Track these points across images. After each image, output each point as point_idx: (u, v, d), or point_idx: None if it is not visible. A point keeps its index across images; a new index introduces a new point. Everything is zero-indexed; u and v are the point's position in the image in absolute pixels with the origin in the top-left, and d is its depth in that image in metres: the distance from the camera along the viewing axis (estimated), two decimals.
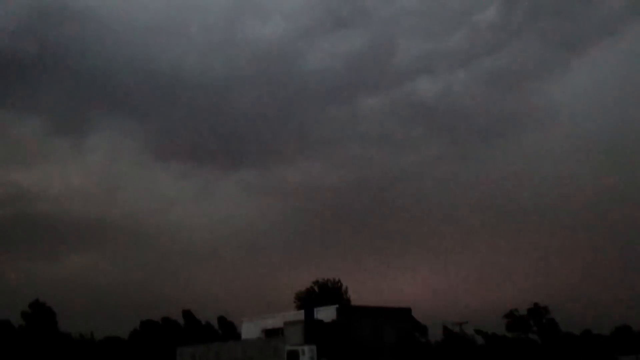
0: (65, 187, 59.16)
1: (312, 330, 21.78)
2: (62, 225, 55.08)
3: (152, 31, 60.40)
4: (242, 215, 60.36)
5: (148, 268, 53.75)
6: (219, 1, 61.93)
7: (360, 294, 42.99)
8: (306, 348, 21.09)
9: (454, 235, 56.93)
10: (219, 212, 60.66)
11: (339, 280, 38.82)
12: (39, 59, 58.37)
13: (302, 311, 25.77)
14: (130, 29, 58.70)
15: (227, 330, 39.97)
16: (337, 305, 24.89)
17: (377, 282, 47.28)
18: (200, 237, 56.57)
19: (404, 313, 25.58)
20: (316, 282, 38.41)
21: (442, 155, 64.44)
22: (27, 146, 60.14)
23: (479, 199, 58.98)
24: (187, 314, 41.69)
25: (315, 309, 24.28)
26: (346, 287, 38.47)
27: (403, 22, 65.49)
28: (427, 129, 65.93)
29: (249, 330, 27.05)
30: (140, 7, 59.77)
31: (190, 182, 62.92)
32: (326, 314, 23.67)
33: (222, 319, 41.59)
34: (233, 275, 53.01)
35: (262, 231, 57.64)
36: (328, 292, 37.37)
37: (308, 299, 36.46)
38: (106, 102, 59.92)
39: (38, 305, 39.95)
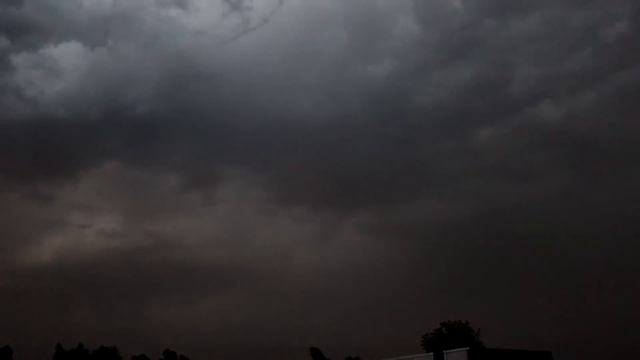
0: (198, 237, 63.92)
1: None
2: (195, 272, 59.26)
3: (270, 83, 64.54)
4: (362, 256, 60.43)
5: (271, 311, 55.61)
6: (331, 47, 64.61)
7: (493, 336, 40.46)
8: None
9: (588, 270, 51.86)
10: (339, 254, 61.31)
11: (467, 322, 37.42)
12: (173, 121, 64.82)
13: (431, 354, 25.04)
14: (251, 84, 63.26)
15: None
16: (467, 348, 23.80)
17: (510, 324, 44.40)
18: (321, 280, 57.42)
19: (544, 357, 23.80)
20: (444, 324, 37.25)
21: (569, 184, 59.94)
22: (165, 200, 66.22)
23: (610, 230, 53.39)
24: (315, 352, 42.69)
25: (444, 352, 23.47)
26: (479, 330, 37.00)
27: (520, 48, 63.27)
28: (550, 156, 62.09)
29: None
30: (260, 63, 64.16)
31: (310, 225, 64.69)
32: (457, 356, 22.73)
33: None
34: (357, 318, 52.78)
35: (384, 272, 57.05)
36: (457, 334, 35.98)
37: (436, 342, 35.33)
38: (232, 156, 64.53)
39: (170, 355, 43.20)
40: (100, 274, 60.54)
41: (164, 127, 63.08)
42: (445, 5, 64.06)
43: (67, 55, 63.50)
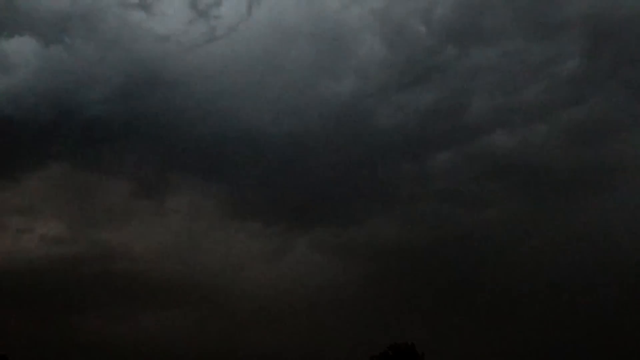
0: (146, 247, 61.77)
1: None
2: (140, 285, 57.16)
3: (232, 94, 63.77)
4: (313, 275, 59.73)
5: (217, 327, 54.21)
6: (296, 62, 64.48)
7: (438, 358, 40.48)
8: None
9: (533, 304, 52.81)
10: (290, 272, 60.42)
11: (413, 344, 37.26)
12: (128, 125, 62.85)
13: None
14: (213, 94, 62.29)
15: None
16: None
17: (454, 348, 44.60)
18: (271, 296, 56.34)
19: None
20: (391, 346, 36.96)
21: (518, 211, 61.33)
22: (114, 208, 63.77)
23: (561, 252, 54.92)
24: None
25: None
26: (422, 353, 36.88)
27: (479, 77, 64.79)
28: (504, 184, 63.43)
29: None
30: (224, 73, 63.30)
31: (263, 241, 63.59)
32: None
33: None
34: (303, 337, 51.99)
35: (334, 292, 56.45)
36: (403, 356, 35.76)
37: None
38: (187, 165, 62.98)
39: None
40: (37, 283, 57.80)
41: (118, 131, 60.97)
42: (410, 29, 64.79)
43: (20, 50, 60.76)
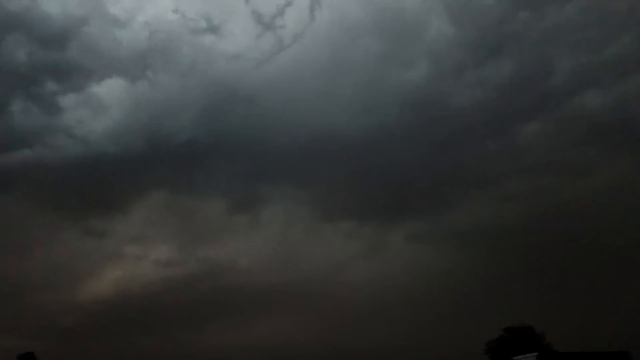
0: (248, 259, 64.21)
1: None
2: (248, 295, 59.47)
3: (305, 101, 64.91)
4: (414, 267, 59.25)
5: (326, 330, 55.02)
6: (364, 57, 64.48)
7: (561, 339, 38.48)
8: None
9: None
10: (390, 267, 60.28)
11: (530, 326, 35.83)
12: (214, 146, 65.85)
13: None
14: (288, 102, 63.89)
15: None
16: (536, 353, 22.58)
17: (578, 325, 42.13)
18: (375, 295, 56.43)
19: (620, 357, 22.28)
20: (507, 329, 35.87)
21: (623, 174, 56.95)
22: (213, 226, 67.00)
23: None
24: None
25: (513, 358, 22.37)
26: (542, 333, 35.34)
27: (557, 38, 61.14)
28: (601, 147, 59.27)
29: None
30: (295, 80, 64.57)
31: (359, 239, 63.94)
32: None
33: None
34: (415, 332, 51.49)
35: (438, 282, 55.79)
36: (521, 339, 34.43)
37: (500, 348, 33.88)
38: (274, 176, 64.85)
39: None
40: (155, 303, 61.90)
41: (206, 153, 64.23)
42: (477, 2, 62.88)
43: (111, 91, 65.79)
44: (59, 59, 64.36)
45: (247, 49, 66.74)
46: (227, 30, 67.30)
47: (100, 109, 66.09)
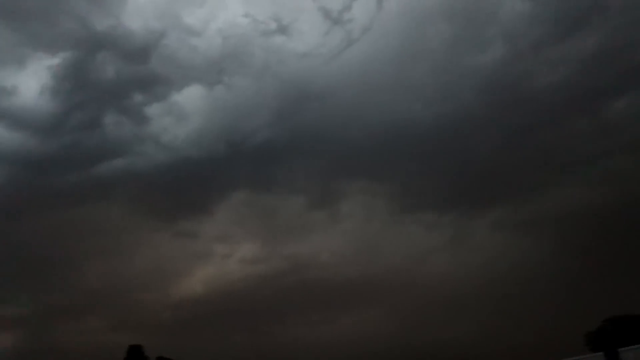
0: (330, 254, 64.99)
1: None
2: (332, 290, 60.20)
3: (378, 93, 64.53)
4: (501, 256, 57.26)
5: (413, 322, 54.59)
6: (436, 43, 63.02)
7: None
8: None
9: None
10: (474, 257, 58.72)
11: (637, 315, 33.56)
12: (291, 143, 67.05)
13: (601, 353, 22.64)
14: (361, 95, 63.89)
15: None
16: None
17: None
18: (461, 285, 55.12)
19: None
20: (609, 320, 33.94)
21: None
22: (294, 222, 68.39)
23: None
24: None
25: (618, 350, 21.02)
26: None
27: None
28: None
29: None
30: (367, 72, 64.31)
31: (440, 230, 62.87)
32: (634, 355, 20.26)
33: None
34: (505, 322, 49.86)
35: (528, 271, 53.53)
36: (626, 329, 32.35)
37: (603, 339, 32.04)
38: (351, 170, 65.09)
39: None
40: (242, 299, 64.11)
41: (284, 151, 65.53)
42: None
43: (191, 98, 68.67)
44: (143, 72, 68.03)
45: (316, 46, 67.25)
46: (296, 29, 68.09)
47: (182, 115, 69.32)
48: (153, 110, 69.08)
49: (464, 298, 54.47)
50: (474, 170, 61.73)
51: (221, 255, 68.49)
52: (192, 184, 67.84)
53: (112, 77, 68.46)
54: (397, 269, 61.36)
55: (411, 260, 62.28)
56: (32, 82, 66.89)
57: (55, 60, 66.37)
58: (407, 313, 54.89)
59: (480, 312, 53.29)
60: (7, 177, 64.11)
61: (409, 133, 61.63)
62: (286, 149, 66.55)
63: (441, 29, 63.81)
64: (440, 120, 60.55)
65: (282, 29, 68.29)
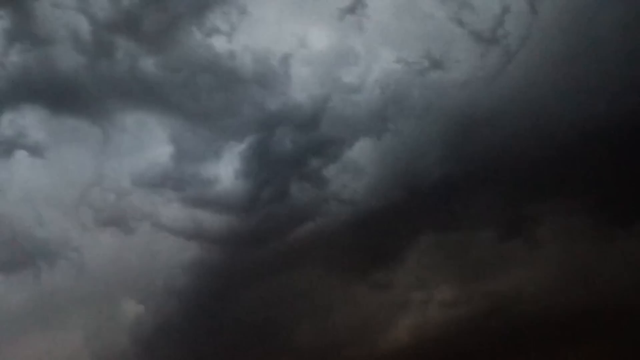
0: (534, 286, 59.23)
1: None
2: (543, 325, 54.37)
3: (553, 100, 57.55)
4: None
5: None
6: (608, 30, 55.19)
7: None
8: None
9: None
10: None
11: None
12: (468, 176, 64.24)
13: None
14: (530, 109, 58.43)
15: None
16: None
17: None
18: None
19: None
20: None
21: None
22: (488, 257, 64.31)
23: None
24: None
25: None
26: None
27: None
28: None
29: None
30: (533, 84, 59.42)
31: None
32: None
33: None
34: None
35: None
36: None
37: None
38: (538, 192, 59.04)
39: None
40: (452, 344, 61.63)
41: (460, 185, 63.10)
42: None
43: (362, 152, 71.29)
44: (315, 138, 73.32)
45: (474, 71, 64.80)
46: (450, 60, 66.66)
47: (357, 170, 72.13)
48: (330, 171, 73.15)
49: None
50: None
51: (419, 301, 67.34)
52: (378, 234, 69.19)
53: (290, 149, 75.00)
54: (622, 294, 52.97)
55: (636, 281, 53.24)
56: (228, 169, 77.76)
57: (242, 146, 76.36)
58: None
59: None
60: (221, 254, 74.26)
61: (594, 138, 54.16)
62: (463, 181, 63.94)
63: (611, 15, 56.29)
64: (627, 116, 52.40)
65: (436, 64, 67.12)
